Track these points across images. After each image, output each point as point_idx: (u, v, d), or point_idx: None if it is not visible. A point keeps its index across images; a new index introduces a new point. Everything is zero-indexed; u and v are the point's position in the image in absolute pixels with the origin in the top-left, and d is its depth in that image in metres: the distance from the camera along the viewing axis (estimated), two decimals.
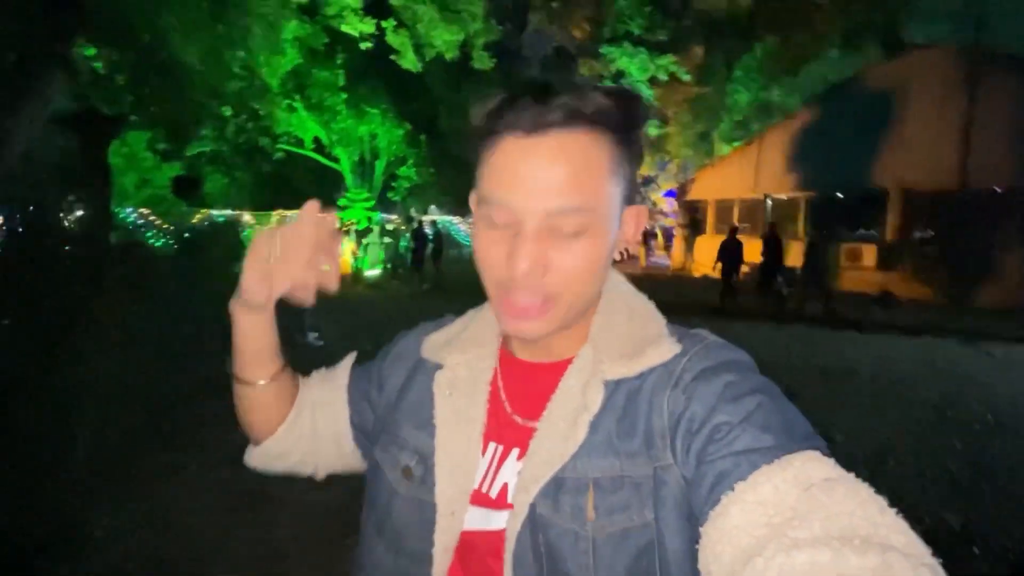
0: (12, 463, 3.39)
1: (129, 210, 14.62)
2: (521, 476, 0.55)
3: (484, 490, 0.59)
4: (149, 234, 14.13)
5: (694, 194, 16.88)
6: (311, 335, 6.65)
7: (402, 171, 16.21)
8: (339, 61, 13.29)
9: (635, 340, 0.57)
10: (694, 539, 0.46)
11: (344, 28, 10.56)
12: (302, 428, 0.72)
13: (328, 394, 0.74)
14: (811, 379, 5.26)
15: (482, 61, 12.01)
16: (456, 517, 0.58)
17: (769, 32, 12.42)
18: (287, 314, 0.66)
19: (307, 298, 0.61)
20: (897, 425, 4.22)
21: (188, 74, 7.79)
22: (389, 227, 15.99)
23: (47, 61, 5.81)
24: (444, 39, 11.36)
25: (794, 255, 12.83)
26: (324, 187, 16.40)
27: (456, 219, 19.45)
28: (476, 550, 0.57)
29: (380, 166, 16.31)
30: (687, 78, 16.83)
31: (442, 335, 0.68)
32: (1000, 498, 3.13)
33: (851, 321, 8.35)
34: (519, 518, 0.54)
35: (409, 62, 11.69)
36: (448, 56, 11.66)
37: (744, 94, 17.51)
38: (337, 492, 2.34)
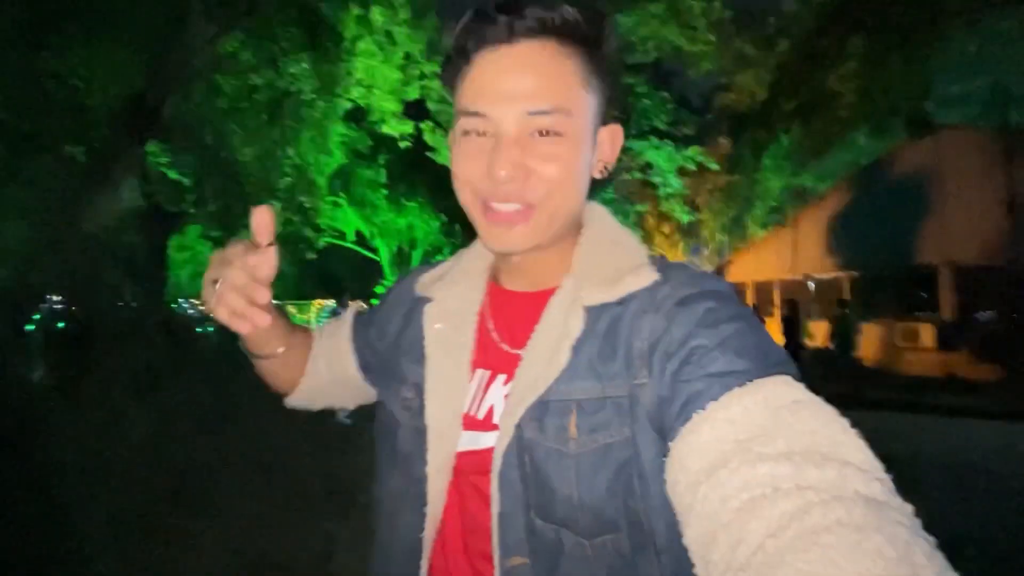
0: (39, 512, 3.49)
1: (183, 301, 15.54)
2: (508, 400, 0.57)
3: (471, 412, 0.61)
4: (199, 325, 14.90)
5: (731, 277, 16.64)
6: (342, 414, 6.61)
7: (438, 258, 16.84)
8: (381, 161, 14.37)
9: (616, 268, 0.58)
10: (665, 454, 0.48)
11: (385, 130, 11.53)
12: (320, 377, 0.79)
13: (335, 345, 0.79)
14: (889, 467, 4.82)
15: None
16: (446, 438, 0.60)
17: (789, 122, 12.78)
18: None
19: (243, 328, 0.62)
20: (976, 512, 3.69)
21: (244, 172, 8.58)
22: None
23: (124, 158, 6.51)
24: None
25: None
26: (364, 277, 17.09)
27: None
28: (466, 469, 0.60)
29: (417, 256, 16.99)
30: (715, 167, 17.25)
31: (434, 272, 0.72)
32: None
33: (914, 404, 7.72)
34: (505, 439, 0.56)
35: (445, 159, 12.51)
36: None
37: (775, 180, 17.72)
38: (351, 559, 2.42)
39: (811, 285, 13.99)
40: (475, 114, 0.54)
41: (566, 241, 0.61)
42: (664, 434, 0.49)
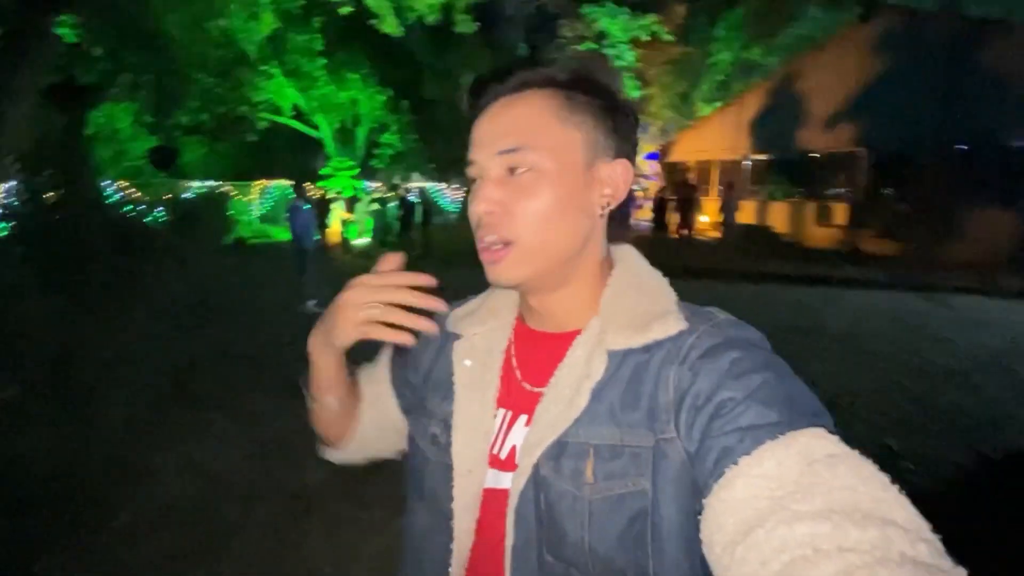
0: (60, 415, 3.72)
1: (107, 183, 14.35)
2: (526, 439, 0.59)
3: (495, 451, 0.63)
4: (129, 208, 13.94)
5: (675, 156, 17.10)
6: (310, 303, 6.89)
7: (384, 138, 16.01)
8: (316, 25, 12.97)
9: (642, 313, 0.58)
10: (690, 511, 0.49)
11: None
12: (366, 429, 0.78)
13: (376, 391, 0.79)
14: (779, 335, 5.71)
15: (465, 24, 11.81)
16: (474, 476, 0.62)
17: None
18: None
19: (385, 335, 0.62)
20: (857, 372, 4.69)
21: (170, 44, 7.66)
22: (375, 195, 15.99)
23: (34, 35, 5.71)
24: (425, 2, 11.14)
25: (774, 215, 13.33)
26: (304, 156, 16.19)
27: (441, 186, 19.40)
28: (488, 507, 0.61)
29: (362, 133, 16.10)
30: (669, 38, 16.75)
31: (464, 309, 0.73)
32: (940, 429, 3.61)
33: (822, 277, 8.83)
34: (523, 477, 0.57)
35: (389, 26, 11.46)
36: (430, 20, 11.47)
37: (726, 53, 17.54)
38: None
39: (746, 165, 14.71)
40: (469, 162, 0.61)
41: (589, 282, 0.62)
42: (696, 491, 0.49)
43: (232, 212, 15.19)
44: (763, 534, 0.39)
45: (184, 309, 6.81)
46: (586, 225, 0.60)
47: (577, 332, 0.61)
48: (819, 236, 12.01)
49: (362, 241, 14.63)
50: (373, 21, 11.47)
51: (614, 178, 0.60)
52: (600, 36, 16.42)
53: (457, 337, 0.69)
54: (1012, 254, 8.72)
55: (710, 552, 0.44)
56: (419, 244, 12.62)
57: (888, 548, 0.35)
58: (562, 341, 0.62)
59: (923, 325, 6.27)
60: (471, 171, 0.61)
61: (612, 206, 0.61)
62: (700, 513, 0.47)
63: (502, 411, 0.64)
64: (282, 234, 13.04)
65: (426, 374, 0.72)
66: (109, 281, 7.00)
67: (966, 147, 10.05)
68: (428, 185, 18.40)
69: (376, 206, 15.01)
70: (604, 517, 0.53)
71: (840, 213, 12.04)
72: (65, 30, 7.55)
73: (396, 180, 17.25)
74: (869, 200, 11.59)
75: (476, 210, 0.58)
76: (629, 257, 0.66)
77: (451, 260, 4.42)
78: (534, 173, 0.57)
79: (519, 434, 0.61)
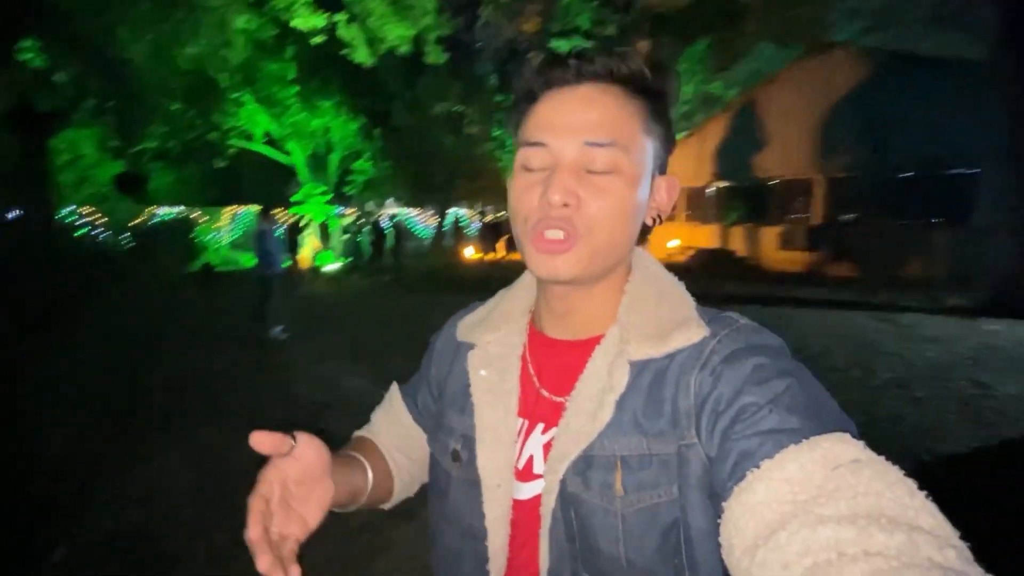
0: (7, 443, 3.59)
1: (70, 209, 14.06)
2: (550, 454, 0.57)
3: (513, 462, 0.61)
4: (87, 231, 13.64)
5: None
6: (276, 329, 6.80)
7: (357, 165, 16.15)
8: (289, 54, 13.16)
9: (662, 322, 0.57)
10: (715, 517, 0.47)
11: (294, 23, 10.50)
12: (405, 470, 0.74)
13: (402, 433, 0.75)
14: None
15: (435, 55, 12.15)
16: (503, 489, 0.59)
17: (704, 32, 13.15)
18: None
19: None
20: None
21: (136, 71, 7.66)
22: (346, 221, 16.00)
23: None
24: (396, 33, 11.44)
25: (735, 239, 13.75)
26: (276, 183, 16.17)
27: (414, 212, 19.52)
28: (517, 521, 0.59)
29: (335, 160, 16.20)
30: None
31: (474, 317, 0.70)
32: (881, 436, 3.77)
33: (780, 298, 9.14)
34: (551, 495, 0.55)
35: (362, 57, 11.71)
36: (401, 50, 11.77)
37: (687, 86, 18.33)
38: None
39: (710, 192, 15.24)
40: (536, 144, 0.55)
41: (611, 286, 0.60)
42: (716, 495, 0.48)
43: (198, 238, 15.00)
44: (785, 537, 0.38)
45: (138, 335, 6.66)
46: (637, 235, 0.59)
47: (594, 340, 0.60)
48: (778, 259, 12.46)
49: (333, 267, 14.57)
50: (345, 51, 11.72)
51: (664, 193, 0.60)
52: None
53: (470, 347, 0.67)
54: (954, 274, 9.19)
55: (729, 556, 0.43)
56: (390, 269, 12.64)
57: (915, 553, 0.34)
58: (580, 349, 0.60)
59: (872, 342, 6.52)
60: (533, 153, 0.56)
61: (662, 220, 0.61)
62: (720, 517, 0.45)
63: (520, 420, 0.62)
64: (251, 261, 12.92)
65: (440, 390, 0.70)
66: (60, 306, 6.81)
67: (912, 174, 10.65)
68: (401, 211, 18.51)
69: (347, 236, 15.02)
70: (639, 529, 0.52)
71: (797, 237, 12.54)
72: (30, 55, 7.53)
73: (370, 207, 17.33)
74: (824, 224, 12.12)
75: (552, 197, 0.53)
76: (646, 262, 0.64)
77: (420, 286, 4.45)
78: (616, 174, 0.55)
79: (536, 443, 0.60)
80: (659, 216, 0.61)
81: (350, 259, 14.60)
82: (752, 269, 12.23)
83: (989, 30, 7.84)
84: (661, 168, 0.60)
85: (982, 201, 8.46)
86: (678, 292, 0.61)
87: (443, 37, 12.24)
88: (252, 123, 14.07)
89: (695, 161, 15.15)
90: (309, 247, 14.80)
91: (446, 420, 0.67)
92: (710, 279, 10.81)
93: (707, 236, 13.86)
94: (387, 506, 0.75)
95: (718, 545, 0.45)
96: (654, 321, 0.57)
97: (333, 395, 4.64)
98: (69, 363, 5.45)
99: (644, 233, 0.61)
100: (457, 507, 0.63)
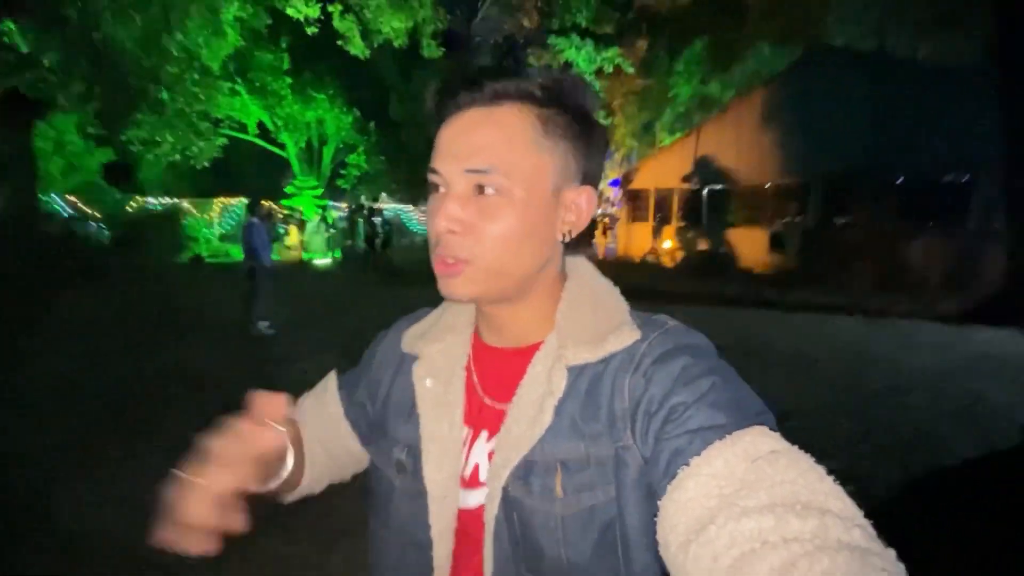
0: None
1: (55, 197, 13.81)
2: (493, 461, 0.58)
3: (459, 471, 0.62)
4: (72, 219, 13.40)
5: (637, 183, 17.56)
6: (262, 324, 6.67)
7: (351, 159, 16.00)
8: (283, 44, 12.98)
9: (598, 327, 0.59)
10: (651, 515, 0.49)
11: (289, 12, 10.34)
12: (319, 464, 0.72)
13: (327, 425, 0.74)
14: (728, 355, 5.80)
15: (431, 50, 12.01)
16: (449, 499, 0.60)
17: (703, 32, 13.14)
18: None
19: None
20: (799, 392, 4.81)
21: (123, 57, 7.49)
22: (330, 216, 15.83)
23: None
24: (392, 26, 11.30)
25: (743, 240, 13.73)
26: (269, 174, 15.99)
27: (408, 207, 19.39)
28: (461, 530, 0.60)
29: (328, 153, 16.04)
30: (632, 71, 17.40)
31: (418, 328, 0.70)
32: (871, 446, 3.71)
33: (772, 301, 9.10)
34: (495, 500, 0.57)
35: (357, 48, 11.56)
36: (397, 43, 11.63)
37: (685, 87, 18.30)
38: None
39: (705, 194, 15.20)
40: (432, 171, 0.57)
41: (543, 296, 0.61)
42: (653, 495, 0.50)
43: (188, 229, 14.80)
44: (714, 531, 0.41)
45: (125, 329, 6.51)
46: (546, 251, 0.59)
47: (534, 347, 0.61)
48: (771, 262, 12.43)
49: (323, 261, 14.42)
50: (340, 43, 11.58)
51: (579, 205, 0.60)
52: (566, 66, 16.93)
53: (414, 358, 0.67)
54: (946, 280, 9.19)
55: (666, 552, 0.45)
56: (381, 264, 12.52)
57: (826, 536, 0.38)
58: (521, 356, 0.61)
59: (863, 347, 6.49)
60: (433, 179, 0.58)
61: (574, 234, 0.61)
62: (656, 516, 0.47)
63: (466, 429, 0.63)
64: (241, 253, 12.76)
65: (384, 399, 0.69)
66: (42, 299, 6.65)
67: (903, 179, 10.66)
68: (395, 207, 18.38)
69: (331, 231, 14.85)
70: (577, 530, 0.54)
71: (790, 240, 12.51)
72: (17, 39, 7.35)
73: (364, 201, 17.19)
74: (818, 228, 12.10)
75: (436, 226, 0.56)
76: (581, 270, 0.66)
77: (412, 281, 4.33)
78: (501, 197, 0.55)
79: (481, 451, 0.61)
80: (572, 229, 0.60)
81: (338, 253, 14.44)
82: (745, 271, 12.20)
83: (982, 38, 7.84)
84: (583, 178, 0.59)
85: (975, 208, 8.46)
86: (612, 298, 0.63)
87: (440, 31, 12.10)
88: (245, 113, 13.89)
89: (690, 163, 15.10)
90: (295, 240, 14.63)
91: (390, 429, 0.66)
92: (702, 282, 10.78)
93: (700, 239, 13.81)
94: (286, 500, 0.71)
95: (654, 543, 0.48)
96: (590, 327, 0.59)
97: None
98: (47, 358, 5.29)
99: (578, 243, 0.61)
100: (401, 518, 0.63)
